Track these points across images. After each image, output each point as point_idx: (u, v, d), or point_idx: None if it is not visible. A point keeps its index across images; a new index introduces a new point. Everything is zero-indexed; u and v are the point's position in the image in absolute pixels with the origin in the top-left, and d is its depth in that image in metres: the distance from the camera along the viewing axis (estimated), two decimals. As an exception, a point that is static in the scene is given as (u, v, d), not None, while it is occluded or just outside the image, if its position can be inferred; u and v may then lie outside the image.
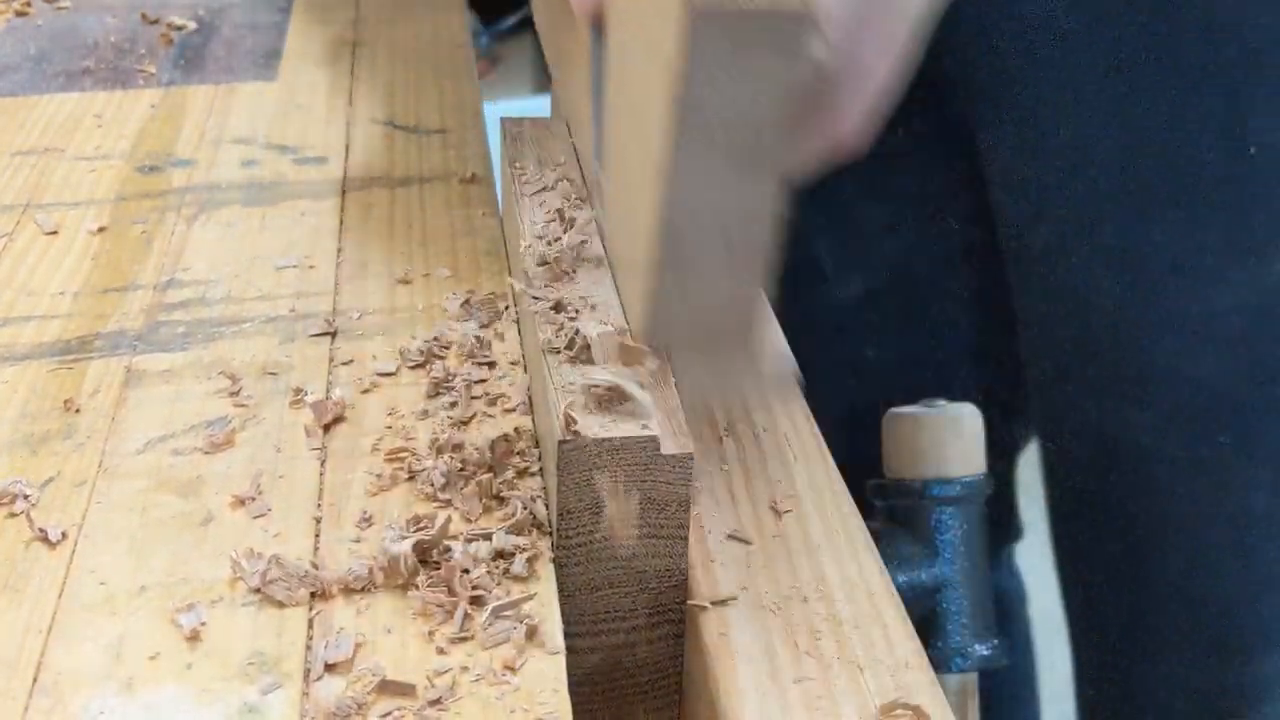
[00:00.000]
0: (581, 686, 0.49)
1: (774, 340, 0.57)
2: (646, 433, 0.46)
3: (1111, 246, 0.73)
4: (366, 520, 0.49)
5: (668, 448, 0.46)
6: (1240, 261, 0.70)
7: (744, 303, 0.49)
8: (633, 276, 0.51)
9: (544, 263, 0.56)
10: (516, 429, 0.52)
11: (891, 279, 0.87)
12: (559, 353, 0.50)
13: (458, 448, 0.51)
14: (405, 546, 0.45)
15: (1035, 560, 1.05)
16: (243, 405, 0.56)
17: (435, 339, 0.59)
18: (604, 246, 0.57)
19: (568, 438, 0.45)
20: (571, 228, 0.58)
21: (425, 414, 0.54)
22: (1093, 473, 0.78)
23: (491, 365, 0.57)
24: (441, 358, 0.58)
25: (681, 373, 0.50)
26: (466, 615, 0.44)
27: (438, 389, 0.56)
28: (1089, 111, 0.71)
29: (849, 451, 0.57)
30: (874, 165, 0.82)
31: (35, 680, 0.43)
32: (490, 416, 0.54)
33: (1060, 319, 0.77)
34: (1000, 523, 0.97)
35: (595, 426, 0.46)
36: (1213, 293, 0.70)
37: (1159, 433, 0.73)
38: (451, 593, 0.45)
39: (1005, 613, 1.04)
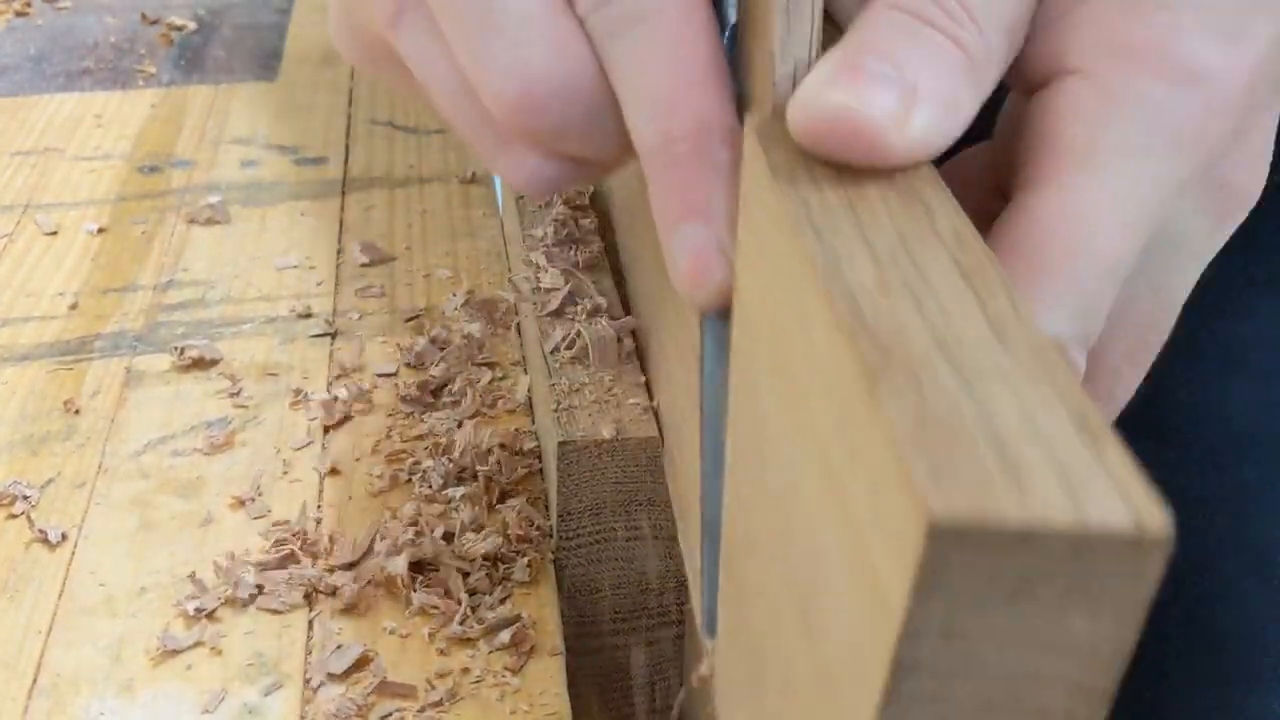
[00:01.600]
0: (581, 688, 0.49)
1: None
2: (647, 434, 0.46)
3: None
4: (366, 520, 0.49)
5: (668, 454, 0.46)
6: (1268, 293, 0.69)
7: None
8: None
9: (546, 262, 0.56)
10: (517, 430, 0.52)
11: None
12: (559, 351, 0.50)
13: (458, 449, 0.51)
14: (400, 565, 0.45)
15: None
16: (243, 406, 0.56)
17: (435, 339, 0.59)
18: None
19: (568, 439, 0.45)
20: (572, 229, 0.58)
21: (425, 415, 0.54)
22: None
23: (492, 366, 0.57)
24: (442, 358, 0.57)
25: None
26: (466, 617, 0.44)
27: (438, 390, 0.56)
28: None
29: None
30: None
31: (35, 681, 0.43)
32: (491, 417, 0.54)
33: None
34: None
35: (596, 427, 0.46)
36: (1237, 326, 0.70)
37: (1179, 467, 0.73)
38: (451, 595, 0.45)
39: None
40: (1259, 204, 0.68)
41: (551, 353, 0.50)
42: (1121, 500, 0.20)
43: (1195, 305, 0.73)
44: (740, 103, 0.31)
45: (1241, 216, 0.34)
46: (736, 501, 0.33)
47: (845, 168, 0.27)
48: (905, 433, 0.20)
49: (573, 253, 0.56)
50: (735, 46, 0.32)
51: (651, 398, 0.48)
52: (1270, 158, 0.34)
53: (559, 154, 0.34)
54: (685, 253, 0.31)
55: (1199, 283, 0.75)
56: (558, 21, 0.32)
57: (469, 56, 0.33)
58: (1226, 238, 0.34)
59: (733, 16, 0.32)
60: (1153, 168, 0.30)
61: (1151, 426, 0.74)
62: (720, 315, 0.33)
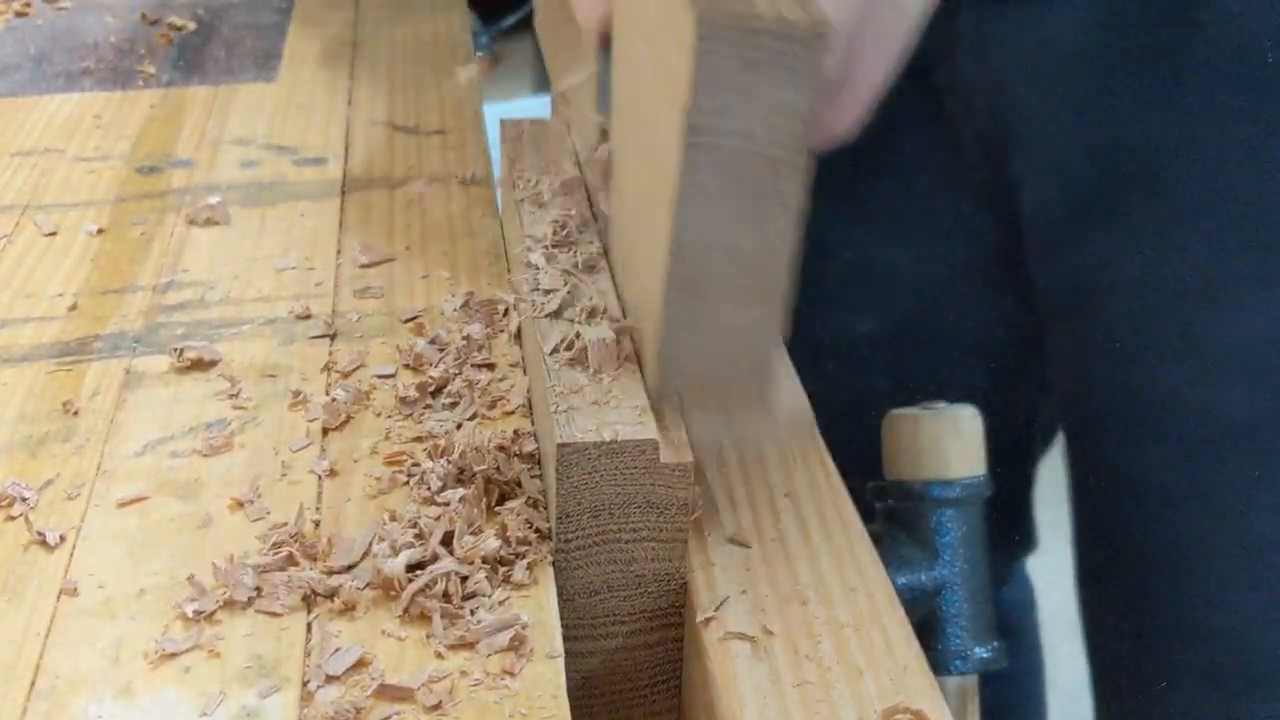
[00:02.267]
0: (580, 691, 0.49)
1: (790, 388, 0.54)
2: (646, 436, 0.46)
3: (1132, 278, 0.72)
4: (365, 522, 0.49)
5: (667, 456, 0.46)
6: (1265, 289, 0.69)
7: (761, 345, 0.46)
8: (643, 313, 0.48)
9: (545, 263, 0.55)
10: (516, 431, 0.52)
11: (901, 294, 0.87)
12: (558, 353, 0.50)
13: (457, 450, 0.51)
14: (398, 567, 0.45)
15: (1042, 564, 1.04)
16: (242, 407, 0.56)
17: (434, 341, 0.59)
18: (611, 271, 0.55)
19: (567, 440, 0.45)
20: (572, 231, 0.58)
21: (424, 416, 0.54)
22: (1108, 501, 0.77)
23: (491, 367, 0.57)
24: (441, 360, 0.57)
25: (694, 422, 0.47)
26: (465, 620, 0.44)
27: (437, 391, 0.56)
28: (1116, 135, 0.71)
29: (849, 452, 0.57)
30: (883, 190, 0.82)
31: (33, 684, 0.43)
32: (490, 419, 0.54)
33: (1081, 348, 0.76)
34: (1015, 534, 0.96)
35: (594, 429, 0.46)
36: (1235, 321, 0.70)
37: (1174, 463, 0.73)
38: (449, 598, 0.45)
39: (1014, 621, 1.03)
40: (1257, 199, 0.68)
41: (550, 354, 0.50)
42: (807, 17, 0.38)
43: (1189, 301, 0.73)
44: None
45: None
46: (616, 143, 0.53)
47: None
48: None
49: (572, 254, 0.56)
50: None
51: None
52: None
53: None
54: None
55: (1195, 280, 0.75)
56: None
57: None
58: None
59: None
60: None
61: (1139, 423, 0.74)
62: (603, 41, 0.53)
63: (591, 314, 0.52)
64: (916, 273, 0.85)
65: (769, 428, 0.51)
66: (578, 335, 0.50)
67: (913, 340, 0.87)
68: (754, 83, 0.38)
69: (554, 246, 0.57)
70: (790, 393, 0.54)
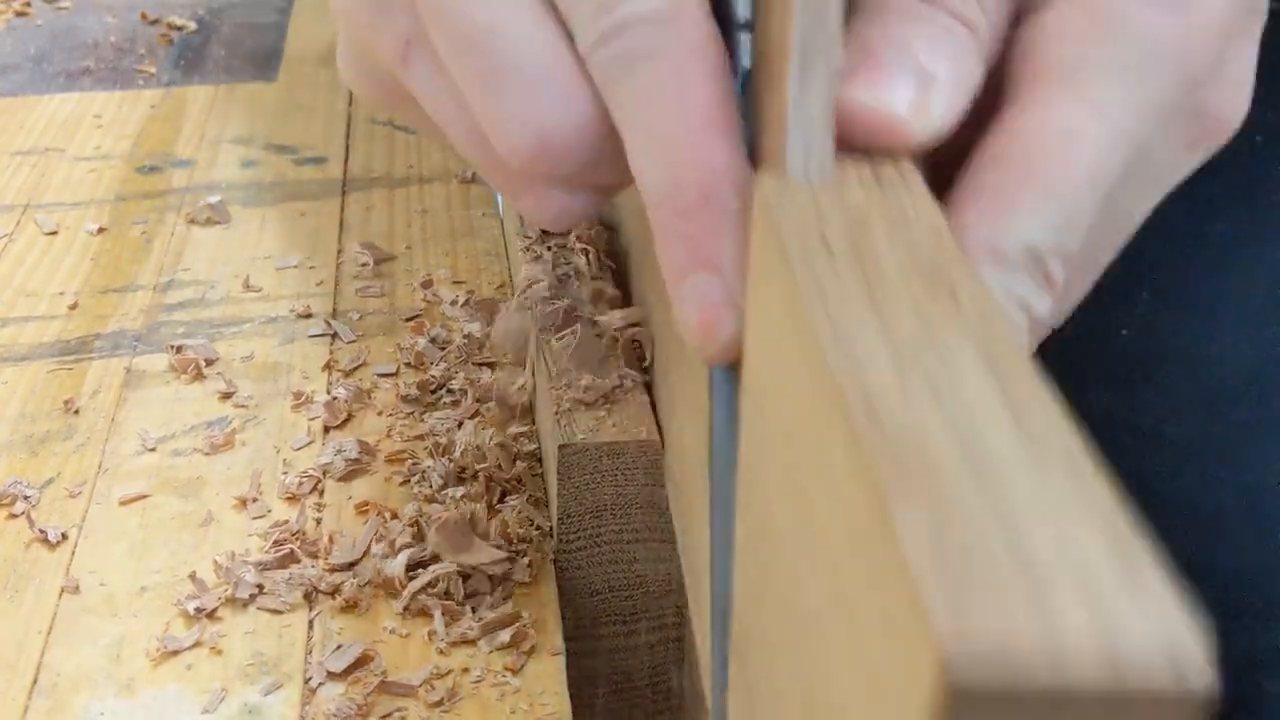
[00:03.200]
0: (581, 689, 0.49)
1: None
2: (647, 437, 0.46)
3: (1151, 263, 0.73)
4: (366, 520, 0.49)
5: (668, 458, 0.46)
6: (1258, 244, 0.70)
7: None
8: None
9: (547, 262, 0.56)
10: (517, 430, 0.52)
11: None
12: (559, 352, 0.50)
13: (458, 449, 0.51)
14: (399, 567, 0.45)
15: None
16: (242, 406, 0.56)
17: (435, 339, 0.59)
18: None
19: (568, 442, 0.45)
20: (575, 229, 0.58)
21: (425, 415, 0.54)
22: (1100, 451, 0.78)
23: (492, 366, 0.57)
24: (442, 358, 0.58)
25: None
26: (467, 617, 0.44)
27: (438, 390, 0.56)
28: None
29: None
30: None
31: (35, 681, 0.43)
32: (491, 418, 0.54)
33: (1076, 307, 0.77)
34: None
35: (596, 430, 0.46)
36: (1229, 273, 0.71)
37: (1171, 412, 0.73)
38: (450, 595, 0.45)
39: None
40: (1252, 157, 0.66)
41: (551, 354, 0.50)
42: (1161, 649, 0.18)
43: (1186, 254, 0.73)
44: (752, 152, 0.30)
45: (1215, 146, 0.34)
46: (745, 585, 0.30)
47: (862, 239, 0.25)
48: (923, 566, 0.18)
49: (574, 253, 0.57)
50: (747, 93, 0.30)
51: (659, 429, 0.47)
52: (1250, 89, 0.34)
53: (580, 187, 0.34)
54: (694, 304, 0.30)
55: (1190, 233, 0.74)
56: (562, 64, 0.31)
57: (479, 106, 0.32)
58: (1195, 166, 0.34)
59: (746, 62, 0.30)
60: (1135, 87, 0.30)
61: (1145, 372, 0.74)
62: (729, 372, 0.31)
63: (593, 315, 0.52)
64: None
65: None
66: (579, 335, 0.50)
67: None
68: None
69: (556, 246, 0.57)
70: None
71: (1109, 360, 0.76)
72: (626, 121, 0.30)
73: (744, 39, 0.30)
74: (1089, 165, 0.29)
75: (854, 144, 0.28)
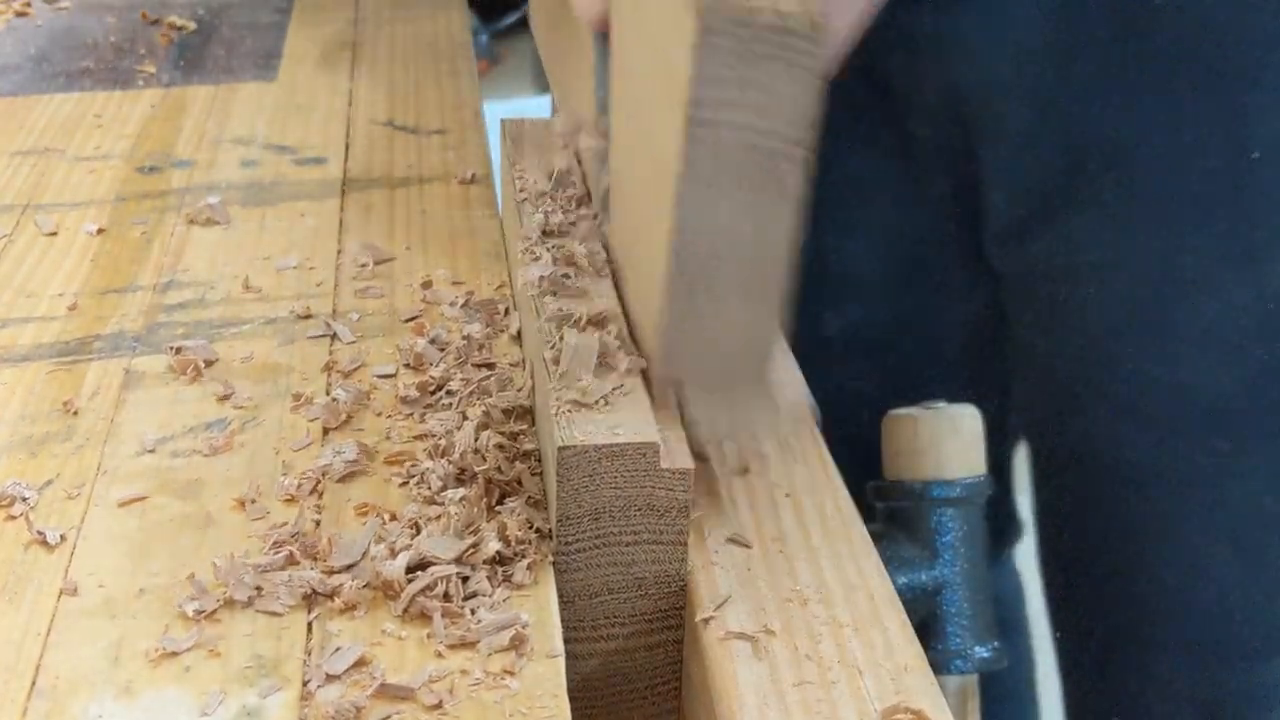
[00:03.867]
0: (580, 691, 0.49)
1: (790, 374, 0.55)
2: (647, 439, 0.46)
3: (1102, 261, 0.72)
4: (364, 521, 0.49)
5: (667, 460, 0.46)
6: (1238, 268, 0.69)
7: (761, 334, 0.46)
8: (644, 304, 0.49)
9: (546, 262, 0.55)
10: (516, 431, 0.52)
11: (883, 289, 0.87)
12: (559, 353, 0.50)
13: (457, 450, 0.51)
14: (398, 569, 0.45)
15: (1031, 560, 1.04)
16: (242, 407, 0.56)
17: (435, 340, 0.59)
18: (611, 268, 0.55)
19: (567, 443, 0.45)
20: (574, 233, 0.58)
21: (425, 416, 0.54)
22: (1081, 483, 0.78)
23: (491, 367, 0.57)
24: (441, 359, 0.57)
25: (694, 408, 0.48)
26: (465, 619, 0.44)
27: (437, 391, 0.56)
28: (1082, 123, 0.71)
29: (849, 452, 0.57)
30: (857, 191, 0.82)
31: (34, 683, 0.43)
32: (490, 419, 0.54)
33: (1050, 334, 0.77)
34: (1000, 524, 0.97)
35: (595, 432, 0.46)
36: (1207, 301, 0.70)
37: (1154, 443, 0.73)
38: (449, 598, 0.45)
39: (1005, 614, 1.03)
40: (1228, 180, 0.68)
41: (551, 354, 0.50)
42: (805, 11, 0.39)
43: (1163, 284, 0.73)
44: None
45: None
46: (616, 137, 0.53)
47: None
48: None
49: (573, 253, 0.56)
50: None
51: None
52: None
53: None
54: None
55: (1166, 262, 0.76)
56: None
57: None
58: None
59: None
60: None
61: (1112, 404, 0.74)
62: (602, 35, 0.53)
63: (593, 315, 0.52)
64: (880, 272, 0.85)
65: (770, 416, 0.52)
66: (579, 337, 0.50)
67: (885, 338, 0.87)
68: (754, 75, 0.39)
69: (555, 246, 0.57)
70: (791, 382, 0.54)
71: (1091, 394, 0.76)
72: None
73: None
74: None
75: None
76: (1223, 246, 0.69)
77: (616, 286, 0.54)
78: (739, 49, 0.39)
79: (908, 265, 0.85)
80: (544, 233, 0.58)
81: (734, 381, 0.48)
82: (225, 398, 0.56)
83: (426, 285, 0.64)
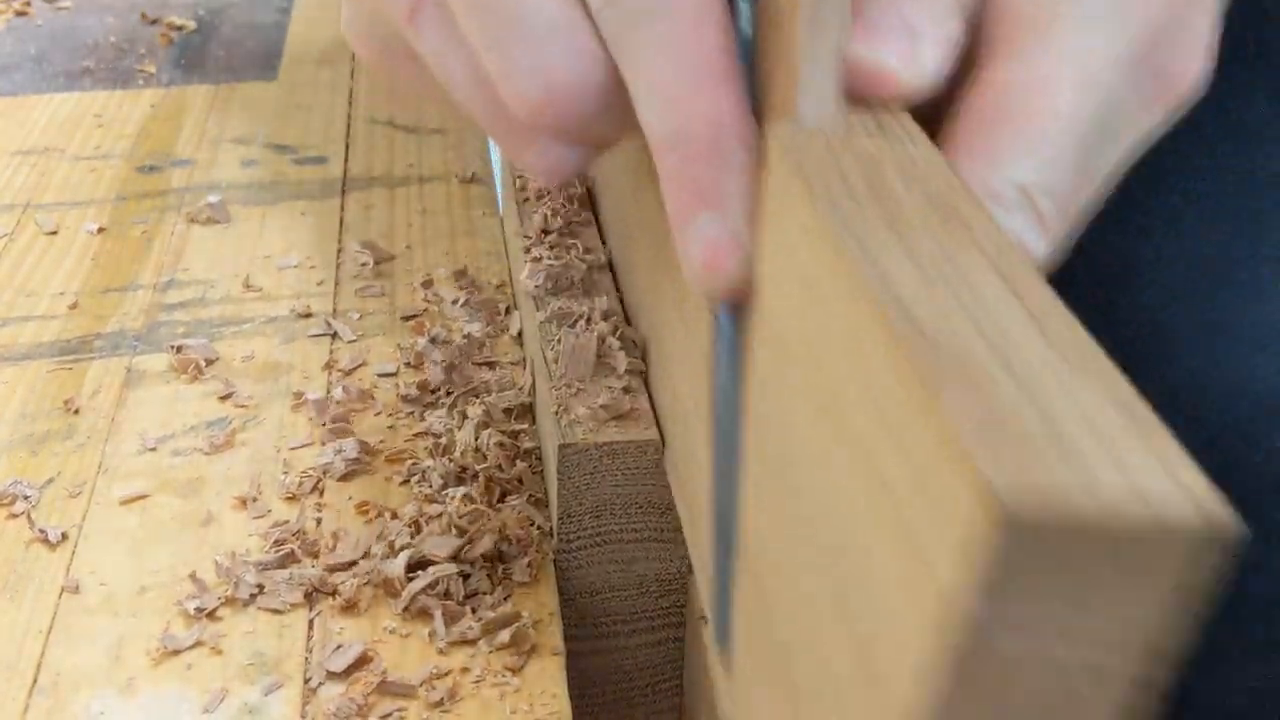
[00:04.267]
0: (582, 689, 0.49)
1: None
2: (647, 437, 0.46)
3: (1148, 264, 0.72)
4: (366, 521, 0.49)
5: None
6: None
7: None
8: None
9: (546, 262, 0.56)
10: (517, 431, 0.52)
11: None
12: (559, 352, 0.50)
13: (458, 449, 0.51)
14: (399, 567, 0.45)
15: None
16: (243, 406, 0.56)
17: (435, 339, 0.59)
18: None
19: (568, 441, 0.45)
20: (575, 228, 0.58)
21: (425, 415, 0.54)
22: None
23: (492, 365, 0.57)
24: (442, 358, 0.58)
25: None
26: (467, 617, 0.44)
27: (438, 390, 0.56)
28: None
29: None
30: None
31: (35, 681, 0.43)
32: (491, 417, 0.54)
33: (1101, 336, 0.77)
34: None
35: (596, 430, 0.46)
36: (1259, 301, 0.70)
37: (1200, 446, 0.73)
38: (450, 596, 0.45)
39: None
40: (1254, 185, 0.67)
41: (551, 353, 0.50)
42: (1181, 493, 0.20)
43: (1201, 287, 0.73)
44: (755, 112, 0.32)
45: (1176, 105, 0.36)
46: (757, 505, 0.32)
47: (878, 179, 0.28)
48: (967, 430, 0.20)
49: (573, 253, 0.56)
50: (749, 60, 0.32)
51: (651, 401, 0.48)
52: (1209, 54, 0.36)
53: (581, 140, 0.36)
54: (700, 243, 0.31)
55: (1225, 261, 0.75)
56: (573, 20, 0.33)
57: (490, 58, 0.34)
58: (1157, 124, 0.36)
59: (747, 29, 0.33)
60: (1103, 37, 0.33)
61: (1172, 397, 0.74)
62: (732, 312, 0.33)
63: (592, 313, 0.52)
64: None
65: None
66: (579, 335, 0.50)
67: None
68: (1085, 595, 0.21)
69: (555, 245, 0.57)
70: None
71: (1146, 395, 0.75)
72: (635, 74, 0.32)
73: (744, 7, 0.33)
74: (1066, 110, 0.32)
75: (852, 97, 0.31)
76: (1271, 248, 0.69)
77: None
78: (1063, 564, 0.20)
79: None
80: (544, 232, 0.59)
81: None
82: (226, 396, 0.56)
83: (427, 284, 0.64)
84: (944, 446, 0.21)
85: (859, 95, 0.31)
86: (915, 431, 0.22)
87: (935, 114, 0.32)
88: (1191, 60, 0.35)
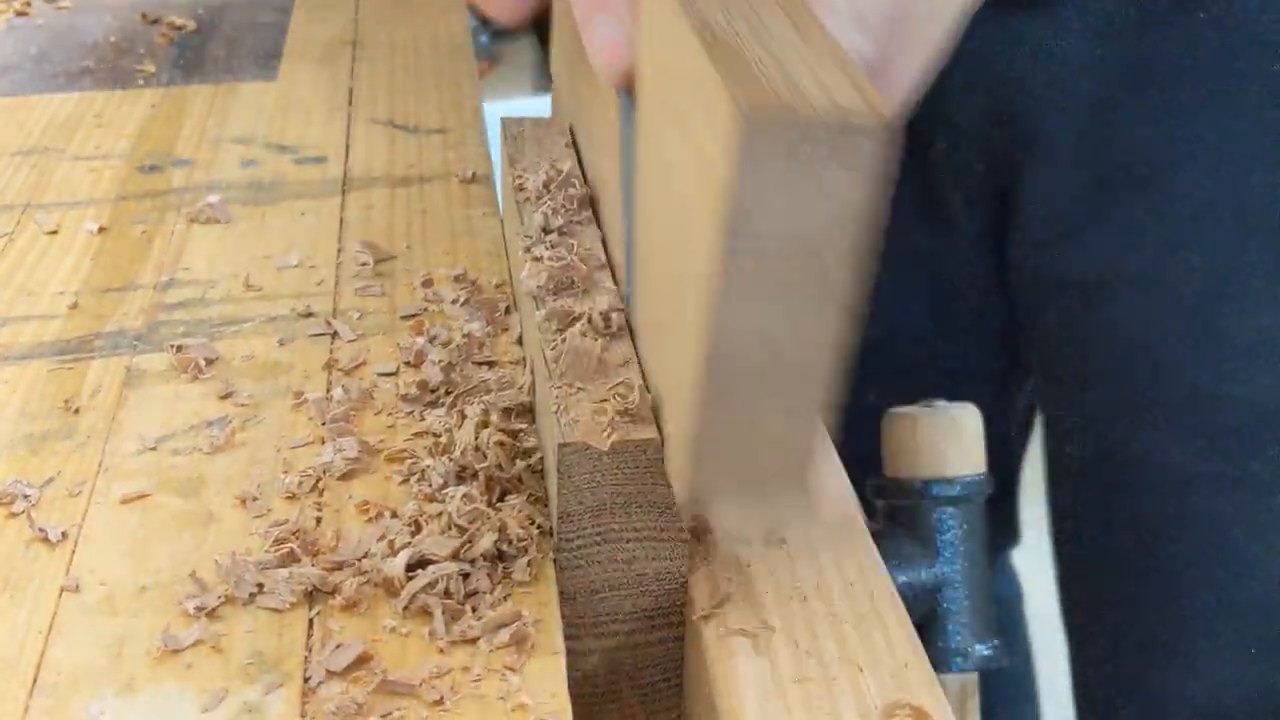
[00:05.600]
0: (582, 688, 0.49)
1: (834, 478, 0.51)
2: (647, 435, 0.46)
3: (1139, 274, 0.72)
4: (366, 520, 0.49)
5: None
6: (1277, 281, 0.70)
7: (800, 440, 0.41)
8: (670, 413, 0.45)
9: (546, 261, 0.56)
10: (517, 430, 0.52)
11: (887, 301, 0.88)
12: (559, 351, 0.50)
13: (458, 448, 0.51)
14: (399, 566, 0.45)
15: (1032, 561, 1.05)
16: (243, 405, 0.56)
17: (435, 339, 0.59)
18: (636, 354, 0.50)
19: (568, 441, 0.45)
20: (574, 228, 0.58)
21: (425, 414, 0.54)
22: (1114, 491, 0.78)
23: (492, 365, 0.57)
24: (442, 358, 0.58)
25: (727, 515, 0.46)
26: (466, 616, 0.44)
27: (438, 389, 0.56)
28: (1127, 137, 0.71)
29: (849, 451, 0.57)
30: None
31: (35, 680, 0.43)
32: (491, 417, 0.54)
33: (1086, 344, 0.77)
34: (999, 528, 0.97)
35: (596, 429, 0.46)
36: (1250, 312, 0.70)
37: (1197, 452, 0.73)
38: (450, 595, 0.45)
39: (1003, 615, 1.04)
40: (1245, 198, 0.68)
41: (552, 353, 0.50)
42: (864, 103, 0.34)
43: (1214, 298, 0.73)
44: None
45: None
46: (644, 219, 0.47)
47: None
48: (732, 82, 0.34)
49: (573, 253, 0.56)
50: None
51: (585, 179, 0.59)
52: None
53: None
54: (599, 39, 0.43)
55: (1216, 274, 0.75)
56: None
57: None
58: None
59: None
60: None
61: (1158, 412, 0.74)
62: (628, 92, 0.46)
63: (593, 312, 0.52)
64: (901, 280, 0.86)
65: (809, 520, 0.48)
66: (580, 335, 0.50)
67: (902, 342, 0.87)
68: (804, 178, 0.34)
69: (555, 245, 0.57)
70: (834, 483, 0.50)
71: (1132, 402, 0.76)
72: None
73: None
74: None
75: None
76: (1262, 259, 0.69)
77: (642, 371, 0.50)
78: (787, 152, 0.33)
79: (938, 299, 0.86)
80: (544, 231, 0.59)
81: (770, 490, 0.44)
82: (226, 396, 0.56)
83: (427, 284, 0.64)
84: (720, 92, 0.34)
85: None
86: (708, 92, 0.35)
87: None
88: None
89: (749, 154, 0.33)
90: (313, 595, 0.46)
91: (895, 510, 0.72)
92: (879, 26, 0.43)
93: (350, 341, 0.60)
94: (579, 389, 0.48)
